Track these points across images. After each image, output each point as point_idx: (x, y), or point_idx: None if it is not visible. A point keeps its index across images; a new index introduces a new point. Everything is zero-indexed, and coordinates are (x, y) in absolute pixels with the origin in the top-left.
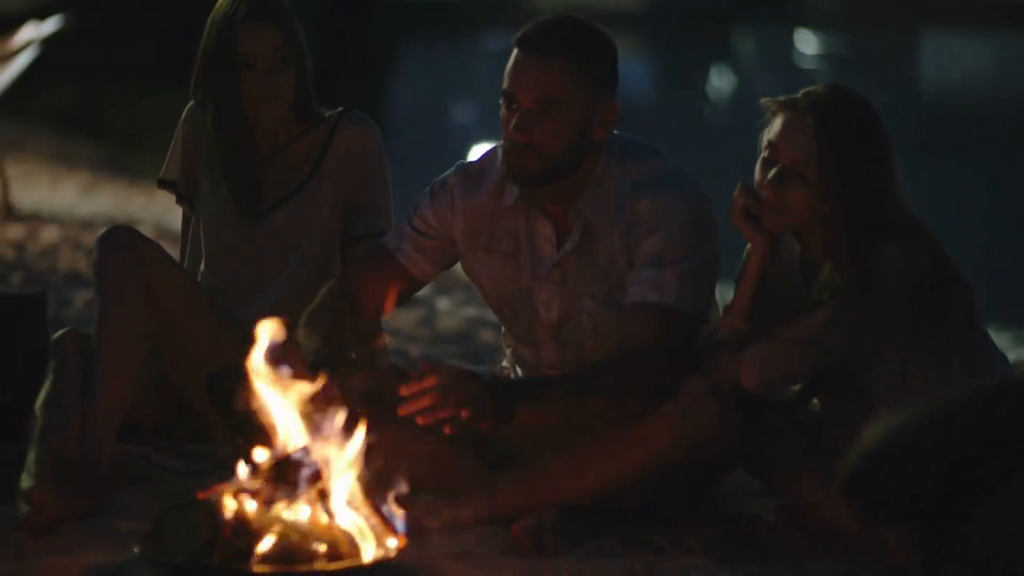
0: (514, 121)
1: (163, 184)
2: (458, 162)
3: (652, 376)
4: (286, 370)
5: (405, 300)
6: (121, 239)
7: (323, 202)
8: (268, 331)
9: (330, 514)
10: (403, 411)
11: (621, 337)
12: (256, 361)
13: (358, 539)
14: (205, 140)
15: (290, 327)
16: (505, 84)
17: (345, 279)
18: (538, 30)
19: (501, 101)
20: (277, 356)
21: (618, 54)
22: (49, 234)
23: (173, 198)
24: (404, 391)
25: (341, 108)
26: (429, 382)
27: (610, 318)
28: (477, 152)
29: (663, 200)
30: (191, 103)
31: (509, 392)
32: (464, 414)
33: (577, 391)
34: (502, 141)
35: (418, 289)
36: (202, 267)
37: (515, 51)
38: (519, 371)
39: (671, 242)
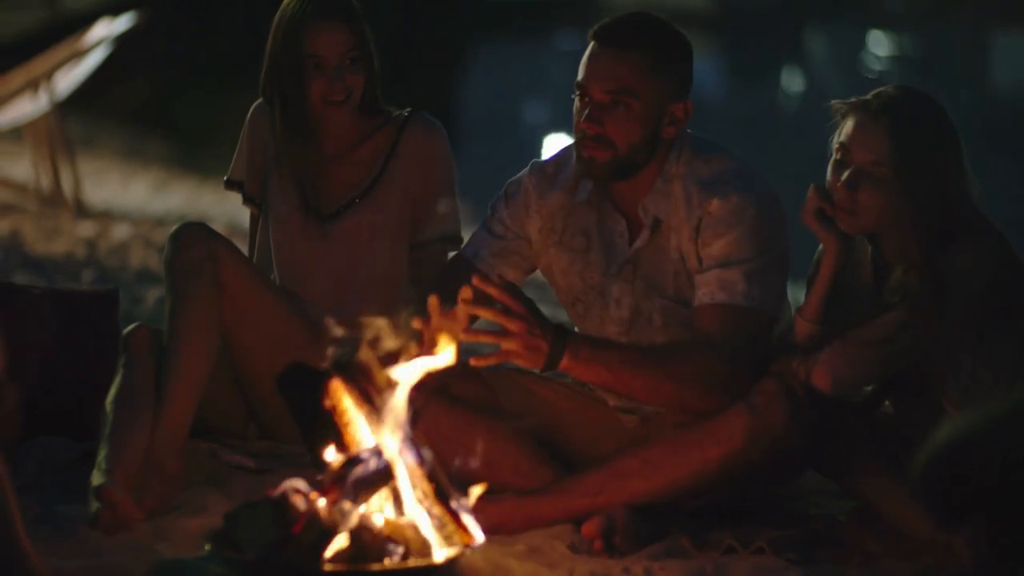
0: (586, 112)
1: (231, 184)
2: (532, 161)
3: (716, 369)
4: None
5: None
6: (194, 236)
7: (390, 205)
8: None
9: (401, 513)
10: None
11: (702, 334)
12: (332, 359)
13: (429, 538)
14: (272, 140)
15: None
16: (579, 76)
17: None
18: (615, 24)
19: (575, 93)
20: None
21: (693, 55)
22: (121, 231)
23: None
24: (467, 293)
25: (409, 109)
26: (500, 296)
27: (681, 316)
28: (549, 150)
29: (733, 200)
30: (257, 102)
31: (565, 335)
32: (519, 341)
33: (636, 361)
34: (575, 135)
35: None
36: (273, 268)
37: (591, 43)
38: None
39: (740, 243)
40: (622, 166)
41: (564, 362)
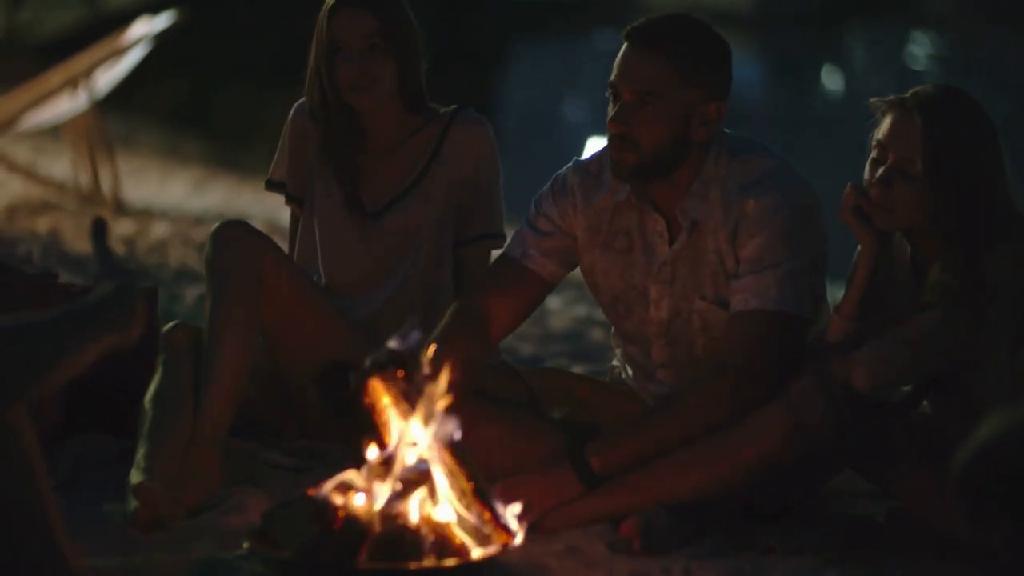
0: (613, 112)
1: (271, 185)
2: (575, 159)
3: (721, 405)
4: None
5: (536, 306)
6: (235, 234)
7: (436, 201)
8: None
9: (439, 511)
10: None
11: (728, 343)
12: (370, 358)
13: (467, 536)
14: (313, 138)
15: (400, 326)
16: (611, 76)
17: (475, 298)
18: (647, 24)
19: (608, 92)
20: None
21: (731, 56)
22: (159, 229)
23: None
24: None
25: (455, 106)
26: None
27: (720, 318)
28: (589, 150)
29: (767, 200)
30: (299, 101)
31: (580, 453)
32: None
33: (654, 427)
34: (607, 134)
35: (548, 292)
36: (315, 266)
37: (624, 44)
38: (629, 370)
39: (773, 244)
40: (649, 167)
41: (597, 466)
